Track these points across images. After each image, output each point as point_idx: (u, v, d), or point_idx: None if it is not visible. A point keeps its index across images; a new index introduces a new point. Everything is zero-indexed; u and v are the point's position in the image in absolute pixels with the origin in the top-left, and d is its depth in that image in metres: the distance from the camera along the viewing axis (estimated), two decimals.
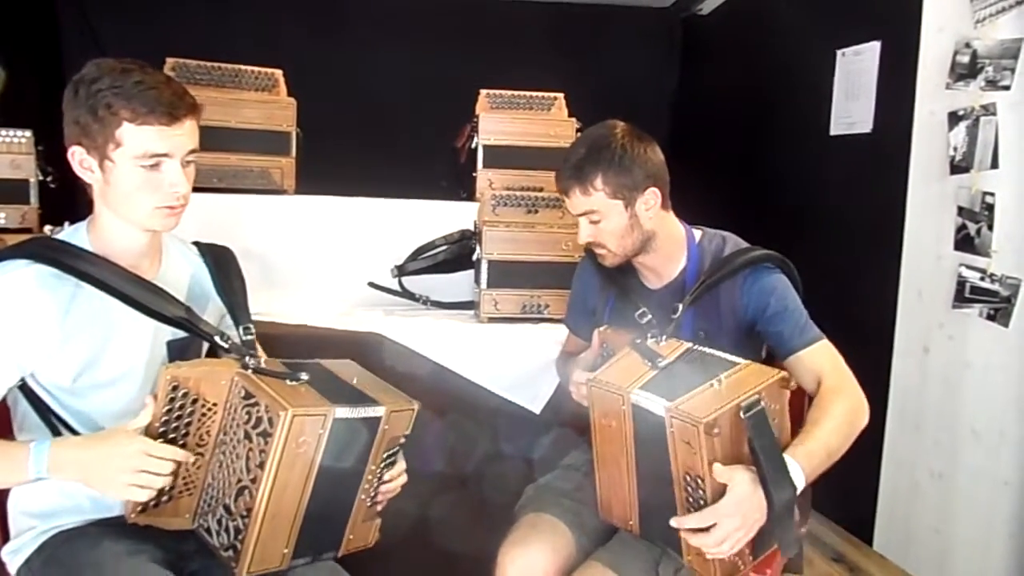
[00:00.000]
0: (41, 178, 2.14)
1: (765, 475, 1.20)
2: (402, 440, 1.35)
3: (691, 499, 1.24)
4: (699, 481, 1.21)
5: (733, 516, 1.19)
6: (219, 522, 1.22)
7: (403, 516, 1.45)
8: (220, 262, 1.46)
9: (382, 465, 1.34)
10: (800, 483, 1.24)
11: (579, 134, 1.82)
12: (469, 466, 1.97)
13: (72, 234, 1.30)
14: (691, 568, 1.29)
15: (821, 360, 1.43)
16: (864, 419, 1.37)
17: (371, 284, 2.30)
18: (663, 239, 1.55)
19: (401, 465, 1.38)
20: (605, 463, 1.39)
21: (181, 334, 1.34)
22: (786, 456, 1.25)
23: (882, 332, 2.60)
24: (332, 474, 1.26)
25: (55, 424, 1.25)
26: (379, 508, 1.37)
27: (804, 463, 1.25)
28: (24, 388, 1.24)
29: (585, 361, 1.55)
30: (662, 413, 1.23)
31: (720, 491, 1.20)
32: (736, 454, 1.22)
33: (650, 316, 1.45)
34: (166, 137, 1.21)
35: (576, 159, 1.51)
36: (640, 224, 1.51)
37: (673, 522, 1.23)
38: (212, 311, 1.43)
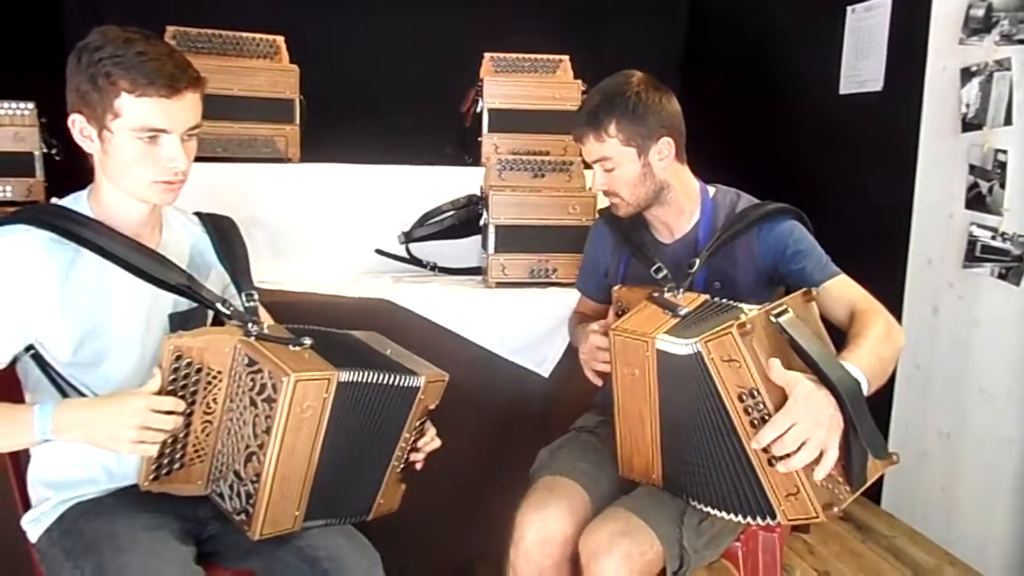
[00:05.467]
0: (45, 150, 2.12)
1: (819, 367, 1.16)
2: (431, 409, 1.39)
3: (753, 418, 1.18)
4: (756, 393, 1.16)
5: (805, 414, 1.13)
6: (231, 487, 1.24)
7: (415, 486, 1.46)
8: (221, 230, 1.46)
9: (415, 433, 1.37)
10: (862, 379, 1.20)
11: (584, 96, 1.79)
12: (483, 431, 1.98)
13: (73, 202, 1.29)
14: (787, 519, 1.21)
15: (848, 289, 1.44)
16: (902, 339, 1.35)
17: (378, 251, 2.29)
18: (676, 191, 1.55)
19: (432, 431, 1.42)
20: (627, 415, 1.38)
21: (181, 306, 1.35)
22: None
23: (892, 292, 2.58)
24: (353, 438, 1.28)
25: (67, 393, 1.25)
26: (404, 474, 1.41)
27: (856, 362, 1.21)
28: (36, 358, 1.24)
29: (601, 328, 1.53)
30: (692, 350, 1.21)
31: (782, 397, 1.16)
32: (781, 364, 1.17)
33: (666, 271, 1.46)
34: (166, 111, 1.19)
35: (591, 106, 1.51)
36: (653, 173, 1.51)
37: (753, 443, 1.17)
38: (214, 280, 1.43)
